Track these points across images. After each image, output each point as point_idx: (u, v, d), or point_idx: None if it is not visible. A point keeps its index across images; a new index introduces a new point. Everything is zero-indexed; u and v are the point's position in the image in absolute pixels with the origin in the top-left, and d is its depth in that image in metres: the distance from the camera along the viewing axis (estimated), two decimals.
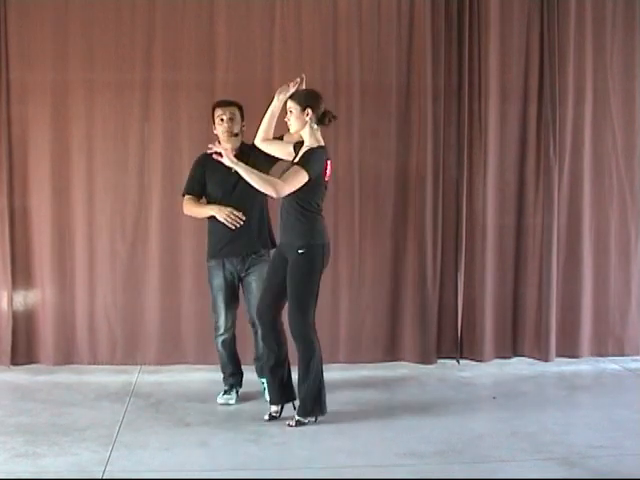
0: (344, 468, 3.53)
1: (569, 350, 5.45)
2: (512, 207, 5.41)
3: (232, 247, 4.37)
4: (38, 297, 5.17)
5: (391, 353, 5.32)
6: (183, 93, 5.13)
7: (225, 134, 4.38)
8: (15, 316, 5.11)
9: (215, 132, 4.45)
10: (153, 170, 5.15)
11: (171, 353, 5.19)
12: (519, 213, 5.42)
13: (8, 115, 5.04)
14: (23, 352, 5.14)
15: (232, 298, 4.48)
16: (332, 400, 4.28)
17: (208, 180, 4.44)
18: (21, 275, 5.13)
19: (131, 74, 5.09)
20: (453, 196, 5.33)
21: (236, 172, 4.29)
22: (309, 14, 5.17)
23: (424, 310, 5.27)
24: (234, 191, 4.36)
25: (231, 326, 4.48)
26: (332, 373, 4.39)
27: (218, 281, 4.45)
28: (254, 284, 4.40)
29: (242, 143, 4.45)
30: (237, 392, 4.50)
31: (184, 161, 5.13)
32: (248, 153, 4.38)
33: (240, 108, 4.45)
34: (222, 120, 4.39)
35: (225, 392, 4.47)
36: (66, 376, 4.95)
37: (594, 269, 5.48)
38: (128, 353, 5.18)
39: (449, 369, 5.23)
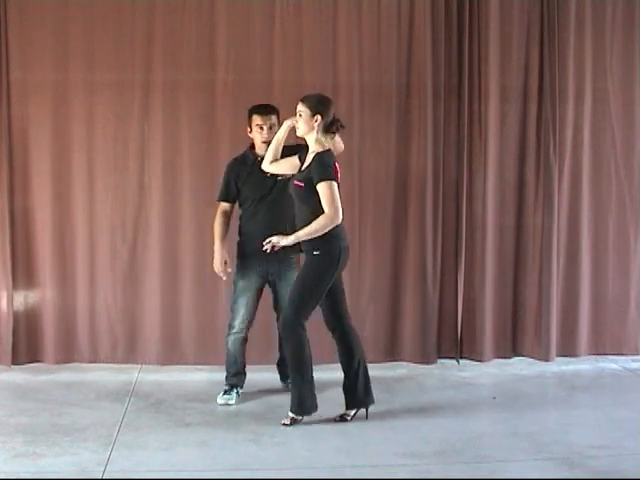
0: (344, 468, 3.54)
1: (569, 350, 5.46)
2: (512, 207, 5.41)
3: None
4: (39, 296, 5.17)
5: (391, 353, 5.32)
6: (183, 93, 5.13)
7: (263, 145, 4.36)
8: (16, 316, 5.10)
9: (250, 135, 4.45)
10: (153, 170, 5.15)
11: (171, 353, 5.19)
12: (519, 213, 5.42)
13: (8, 115, 5.04)
14: (24, 351, 5.13)
15: (254, 301, 4.46)
16: (332, 400, 4.28)
17: (242, 185, 4.42)
18: (22, 275, 5.13)
19: (131, 74, 5.09)
20: (453, 196, 5.33)
21: (272, 175, 4.31)
22: (309, 14, 5.17)
23: (424, 310, 5.27)
24: (270, 194, 4.37)
25: (246, 327, 4.46)
26: (332, 373, 4.38)
27: (244, 282, 4.43)
28: (283, 290, 4.37)
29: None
30: (238, 393, 4.49)
31: (184, 161, 5.14)
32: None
33: (278, 114, 4.42)
34: (262, 129, 4.37)
35: (225, 392, 4.46)
36: (66, 376, 4.95)
37: (593, 269, 5.49)
38: (128, 352, 5.18)
39: (449, 369, 5.23)
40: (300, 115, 4.04)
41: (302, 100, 4.08)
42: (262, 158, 4.33)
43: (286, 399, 4.45)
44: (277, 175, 4.33)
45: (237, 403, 4.42)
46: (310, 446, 3.78)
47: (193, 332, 5.18)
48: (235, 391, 4.49)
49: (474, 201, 5.33)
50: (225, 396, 4.44)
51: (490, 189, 5.34)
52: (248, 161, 4.46)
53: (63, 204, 5.12)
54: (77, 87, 5.07)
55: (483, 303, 5.35)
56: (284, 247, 4.08)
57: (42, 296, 5.16)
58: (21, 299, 5.15)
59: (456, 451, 3.73)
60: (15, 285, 5.10)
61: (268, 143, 4.31)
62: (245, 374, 4.56)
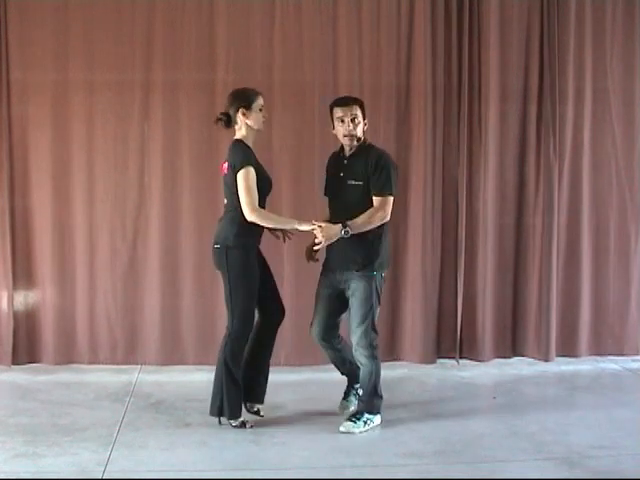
0: (344, 468, 3.54)
1: (569, 350, 5.46)
2: (512, 207, 5.41)
3: (330, 260, 4.16)
4: (39, 297, 5.17)
5: (391, 353, 5.31)
6: (183, 93, 5.13)
7: (346, 138, 4.05)
8: (16, 316, 5.10)
9: (334, 132, 4.12)
10: (153, 170, 5.15)
11: (171, 353, 5.19)
12: (519, 213, 5.42)
13: (8, 115, 5.04)
14: (24, 352, 5.13)
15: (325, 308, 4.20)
16: (333, 400, 4.29)
17: (327, 182, 4.26)
18: (22, 275, 5.13)
19: (131, 74, 5.09)
20: (453, 196, 5.33)
21: (342, 176, 4.09)
22: (309, 14, 5.16)
23: (424, 310, 5.27)
24: (338, 195, 4.14)
25: (317, 334, 4.22)
26: (333, 374, 4.38)
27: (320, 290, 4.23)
28: (350, 303, 4.14)
29: (362, 141, 4.12)
30: (354, 395, 4.28)
31: (184, 161, 5.14)
32: (359, 155, 4.08)
33: (362, 107, 4.09)
34: (342, 122, 4.03)
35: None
36: (66, 376, 4.95)
37: (594, 269, 5.49)
38: (128, 353, 5.18)
39: (449, 369, 5.23)
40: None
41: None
42: (344, 155, 4.13)
43: (286, 400, 4.46)
44: (346, 177, 4.07)
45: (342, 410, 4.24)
46: (310, 446, 3.78)
47: (193, 332, 5.18)
48: (351, 393, 4.29)
49: (474, 201, 5.33)
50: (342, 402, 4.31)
51: (490, 189, 5.34)
52: (334, 157, 4.24)
53: (63, 204, 5.12)
54: (77, 87, 5.07)
55: (483, 303, 5.35)
56: (346, 259, 4.05)
57: (42, 296, 5.16)
58: (21, 299, 5.15)
59: (456, 451, 3.73)
60: (15, 285, 5.10)
61: (351, 137, 4.03)
62: (348, 378, 4.32)
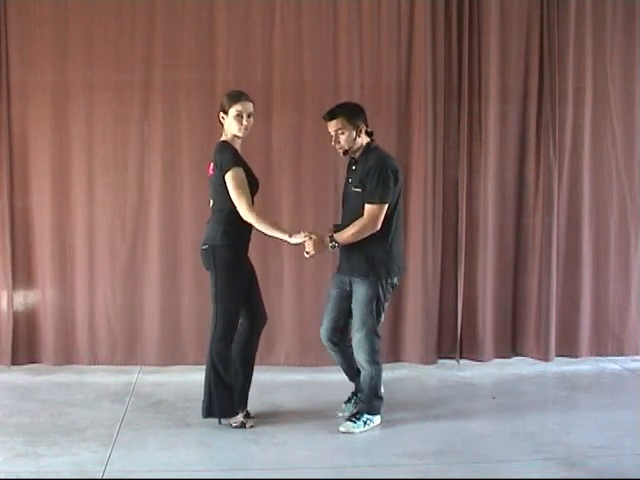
0: (344, 468, 3.54)
1: (569, 350, 5.46)
2: (512, 207, 5.41)
3: (340, 261, 4.17)
4: (38, 297, 5.17)
5: (391, 353, 5.30)
6: (183, 93, 5.12)
7: (339, 150, 4.08)
8: (15, 316, 5.10)
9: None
10: (153, 170, 5.15)
11: (171, 353, 5.19)
12: (519, 213, 5.42)
13: (8, 115, 5.04)
14: (23, 352, 5.13)
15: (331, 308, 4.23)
16: (333, 401, 4.29)
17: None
18: (21, 275, 5.13)
19: (131, 74, 5.09)
20: (453, 196, 5.33)
21: (350, 182, 4.07)
22: (309, 14, 5.16)
23: (424, 310, 5.26)
24: (346, 202, 4.13)
25: (324, 334, 4.23)
26: (333, 374, 4.39)
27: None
28: (352, 306, 4.12)
29: (367, 144, 4.08)
30: (353, 400, 4.27)
31: (184, 161, 5.14)
32: (362, 161, 4.04)
33: (347, 116, 3.99)
34: (331, 135, 4.05)
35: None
36: (66, 376, 4.95)
37: (594, 269, 5.49)
38: (128, 353, 5.17)
39: (449, 369, 5.23)
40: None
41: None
42: (354, 161, 4.09)
43: (286, 400, 4.46)
44: (351, 184, 4.05)
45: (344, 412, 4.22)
46: (310, 446, 3.78)
47: (193, 332, 5.17)
48: (353, 400, 4.28)
49: (474, 201, 5.33)
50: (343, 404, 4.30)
51: (490, 189, 5.33)
52: (348, 162, 4.19)
53: (63, 204, 5.12)
54: (77, 87, 5.06)
55: (483, 303, 5.35)
56: (349, 265, 4.06)
57: (42, 296, 5.16)
58: (21, 299, 5.15)
59: (456, 451, 3.73)
60: (15, 285, 5.10)
61: (344, 153, 4.05)
62: (352, 380, 4.29)
